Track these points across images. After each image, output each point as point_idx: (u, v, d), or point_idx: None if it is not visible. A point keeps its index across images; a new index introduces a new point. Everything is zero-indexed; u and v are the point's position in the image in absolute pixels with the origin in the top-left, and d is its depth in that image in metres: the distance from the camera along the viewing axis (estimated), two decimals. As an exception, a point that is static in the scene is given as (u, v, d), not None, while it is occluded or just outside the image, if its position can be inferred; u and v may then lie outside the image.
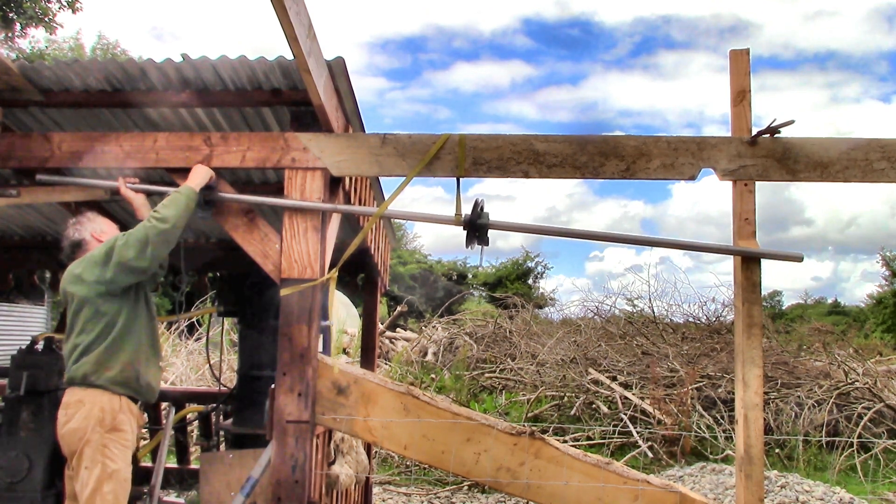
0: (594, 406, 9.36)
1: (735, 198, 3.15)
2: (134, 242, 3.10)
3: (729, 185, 3.16)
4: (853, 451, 7.95)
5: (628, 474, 3.09)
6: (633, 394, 9.30)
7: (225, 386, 5.28)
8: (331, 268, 3.32)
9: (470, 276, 32.54)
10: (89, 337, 3.19)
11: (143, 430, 6.66)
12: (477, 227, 3.05)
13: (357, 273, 5.92)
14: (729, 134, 3.20)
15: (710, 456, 8.17)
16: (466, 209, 3.21)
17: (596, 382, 9.68)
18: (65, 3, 17.16)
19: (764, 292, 3.17)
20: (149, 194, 3.59)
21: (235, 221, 3.32)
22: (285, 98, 3.36)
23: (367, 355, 5.94)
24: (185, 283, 4.18)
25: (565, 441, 8.00)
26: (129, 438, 3.21)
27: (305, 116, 3.35)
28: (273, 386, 3.13)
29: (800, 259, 3.12)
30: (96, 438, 3.08)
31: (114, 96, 3.45)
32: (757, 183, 3.14)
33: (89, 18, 54.06)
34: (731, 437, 7.98)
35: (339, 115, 3.39)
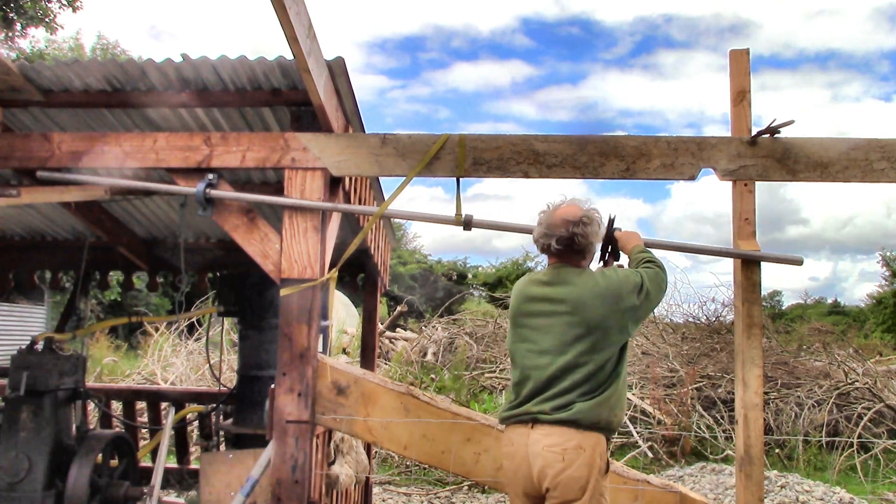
0: (594, 406, 9.33)
1: (735, 198, 3.15)
2: (657, 280, 2.71)
3: (728, 185, 3.17)
4: (853, 451, 7.95)
5: (628, 474, 3.09)
6: (633, 394, 9.30)
7: (225, 386, 5.28)
8: (331, 268, 3.32)
9: (470, 276, 32.53)
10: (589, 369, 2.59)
11: (143, 431, 6.67)
12: (611, 242, 2.99)
13: (357, 273, 5.92)
14: (729, 134, 3.20)
15: (710, 456, 8.17)
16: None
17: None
18: (65, 3, 17.16)
19: (764, 292, 3.18)
20: (149, 194, 3.60)
21: (235, 221, 3.32)
22: (285, 98, 3.37)
23: (367, 355, 5.94)
24: (185, 283, 4.18)
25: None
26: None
27: (305, 116, 3.35)
28: (273, 386, 3.14)
29: (800, 262, 3.13)
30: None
31: (114, 96, 3.45)
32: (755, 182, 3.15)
33: (89, 18, 54.06)
34: (731, 437, 7.99)
35: (339, 115, 3.39)
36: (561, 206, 2.73)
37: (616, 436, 8.06)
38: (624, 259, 2.99)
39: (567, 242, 2.67)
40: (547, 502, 2.53)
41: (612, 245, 3.01)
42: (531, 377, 2.63)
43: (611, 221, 3.01)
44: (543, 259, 2.85)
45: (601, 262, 3.02)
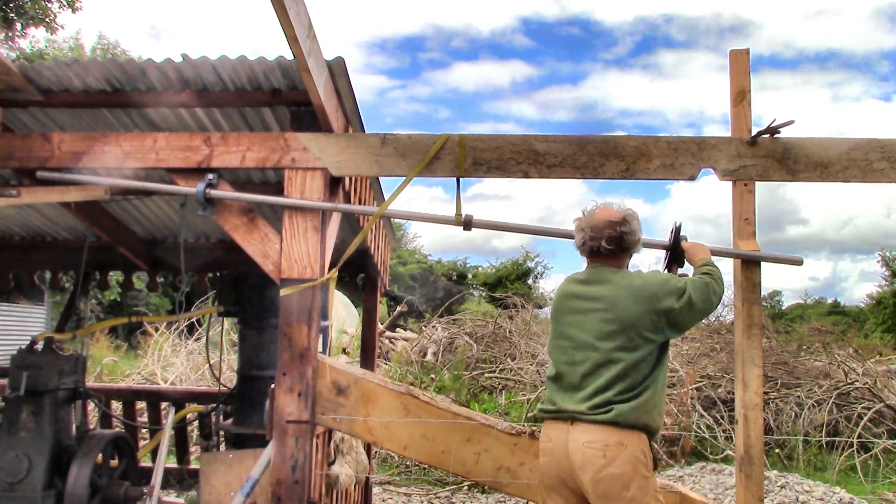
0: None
1: (735, 198, 3.15)
2: (705, 291, 2.71)
3: (728, 185, 3.16)
4: (853, 451, 7.95)
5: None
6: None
7: (225, 386, 5.28)
8: (331, 268, 3.32)
9: (470, 276, 32.53)
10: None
11: (143, 431, 6.67)
12: (677, 250, 3.01)
13: (357, 273, 5.92)
14: (729, 134, 3.20)
15: (710, 456, 8.17)
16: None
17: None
18: (65, 3, 17.16)
19: (764, 292, 3.18)
20: (149, 194, 3.60)
21: (235, 221, 3.32)
22: (285, 98, 3.37)
23: (367, 355, 5.94)
24: (185, 283, 4.18)
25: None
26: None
27: (305, 116, 3.35)
28: (273, 386, 3.13)
29: (800, 263, 3.13)
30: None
31: (114, 96, 3.45)
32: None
33: (89, 18, 54.04)
34: (731, 437, 7.98)
35: (339, 115, 3.39)
36: (597, 211, 2.81)
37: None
38: (688, 269, 3.00)
39: (617, 241, 2.74)
40: (591, 500, 2.52)
41: (676, 252, 3.02)
42: (565, 373, 2.69)
43: (677, 229, 3.04)
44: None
45: (664, 269, 3.06)
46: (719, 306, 2.89)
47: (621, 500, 2.47)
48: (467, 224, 3.20)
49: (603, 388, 2.57)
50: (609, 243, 2.72)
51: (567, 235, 3.27)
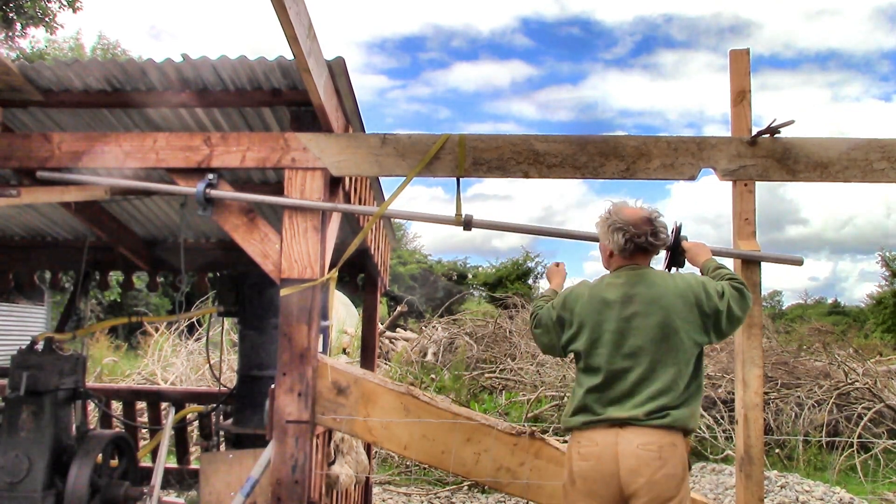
0: (594, 406, 9.32)
1: (735, 198, 3.15)
2: (742, 300, 2.70)
3: (728, 185, 3.16)
4: (853, 451, 7.95)
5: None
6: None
7: (225, 386, 5.28)
8: (331, 268, 3.32)
9: (470, 276, 32.53)
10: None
11: (143, 431, 6.67)
12: (677, 251, 3.00)
13: (357, 273, 5.92)
14: (729, 134, 3.20)
15: (710, 456, 8.17)
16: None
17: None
18: (65, 3, 17.16)
19: (764, 292, 3.18)
20: (149, 194, 3.59)
21: (235, 221, 3.32)
22: (285, 98, 3.36)
23: (367, 355, 5.94)
24: (185, 283, 4.18)
25: (565, 441, 7.98)
26: None
27: (305, 116, 3.35)
28: (273, 386, 3.13)
29: (800, 263, 3.13)
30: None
31: (114, 96, 3.45)
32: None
33: (89, 18, 54.05)
34: (731, 437, 7.98)
35: (339, 115, 3.39)
36: (624, 209, 2.72)
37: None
38: (689, 269, 3.00)
39: (656, 238, 2.69)
40: (635, 502, 2.48)
41: (676, 252, 3.01)
42: (612, 381, 2.58)
43: (678, 229, 3.02)
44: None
45: (664, 269, 3.03)
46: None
47: (673, 501, 2.46)
48: (467, 224, 3.20)
49: (658, 393, 2.52)
50: (655, 239, 2.68)
51: (567, 235, 3.28)
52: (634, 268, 2.70)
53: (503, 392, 10.07)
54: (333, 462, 3.97)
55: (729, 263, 3.18)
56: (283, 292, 3.14)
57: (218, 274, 5.69)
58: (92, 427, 5.07)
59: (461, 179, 3.21)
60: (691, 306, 2.59)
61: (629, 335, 2.59)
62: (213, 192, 3.26)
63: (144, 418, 6.86)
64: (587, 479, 2.55)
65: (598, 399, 2.60)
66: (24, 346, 4.21)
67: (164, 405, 6.35)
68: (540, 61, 74.84)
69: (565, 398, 9.53)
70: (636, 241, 2.67)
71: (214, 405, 5.29)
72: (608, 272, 2.78)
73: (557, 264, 3.18)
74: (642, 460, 2.46)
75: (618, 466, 2.49)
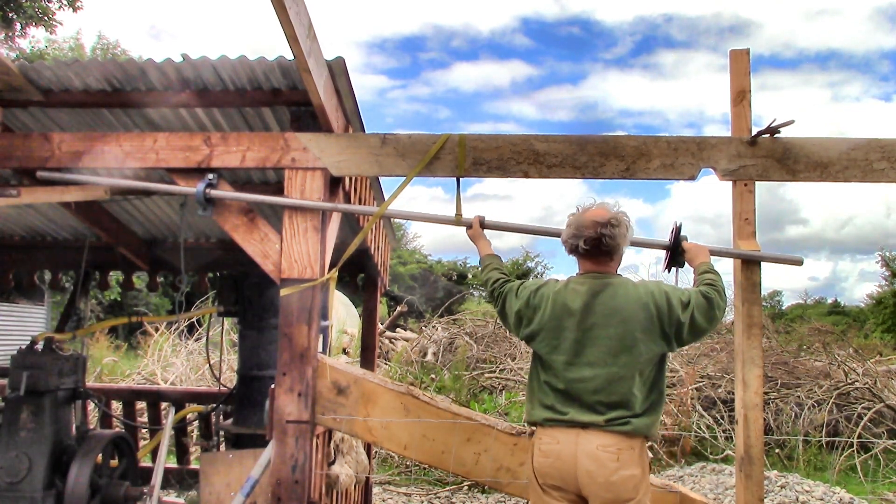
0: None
1: (735, 198, 3.15)
2: (707, 309, 2.67)
3: (728, 185, 3.16)
4: (853, 451, 7.95)
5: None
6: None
7: (225, 386, 5.28)
8: (331, 268, 3.32)
9: (470, 276, 32.52)
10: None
11: (143, 431, 6.67)
12: (677, 251, 3.00)
13: (357, 273, 5.92)
14: (729, 134, 3.20)
15: (710, 456, 8.17)
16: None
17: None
18: (65, 2, 17.15)
19: (763, 292, 3.18)
20: (149, 194, 3.59)
21: (235, 221, 3.32)
22: (285, 98, 3.37)
23: (367, 355, 5.94)
24: (185, 283, 4.18)
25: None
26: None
27: (305, 116, 3.35)
28: (273, 386, 3.13)
29: (800, 263, 3.12)
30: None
31: (114, 96, 3.45)
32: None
33: (89, 18, 54.06)
34: (731, 437, 7.98)
35: (339, 115, 3.39)
36: (591, 209, 2.71)
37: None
38: (688, 270, 3.00)
39: (594, 243, 2.63)
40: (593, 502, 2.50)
41: (676, 252, 3.00)
42: (575, 389, 2.59)
43: (678, 229, 3.01)
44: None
45: (664, 269, 3.05)
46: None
47: (630, 502, 2.48)
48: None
49: (618, 404, 2.54)
50: (586, 244, 2.63)
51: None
52: (598, 276, 2.68)
53: (503, 392, 10.07)
54: (333, 462, 3.97)
55: (729, 263, 3.18)
56: (283, 292, 3.14)
57: (218, 274, 5.69)
58: (92, 427, 5.07)
59: (461, 179, 3.21)
60: (651, 317, 2.59)
61: (588, 345, 2.59)
62: (213, 192, 3.26)
63: (144, 418, 6.86)
64: (546, 476, 2.60)
65: (560, 400, 2.63)
66: (24, 346, 4.21)
67: (164, 405, 6.35)
68: (540, 61, 74.90)
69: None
70: (569, 242, 2.70)
71: (214, 405, 5.29)
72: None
73: (470, 226, 3.15)
74: (600, 461, 2.49)
75: (575, 466, 2.52)
